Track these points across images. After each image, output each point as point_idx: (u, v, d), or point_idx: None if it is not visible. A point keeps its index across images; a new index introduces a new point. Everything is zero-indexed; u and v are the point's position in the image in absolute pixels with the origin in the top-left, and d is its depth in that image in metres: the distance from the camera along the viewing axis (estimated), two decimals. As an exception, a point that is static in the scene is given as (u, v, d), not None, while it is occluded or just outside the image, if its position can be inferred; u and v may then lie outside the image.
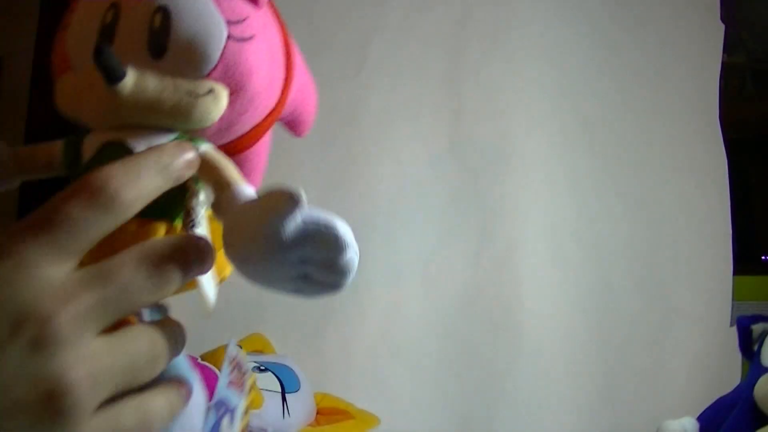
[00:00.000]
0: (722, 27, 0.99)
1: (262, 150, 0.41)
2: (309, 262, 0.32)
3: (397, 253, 0.93)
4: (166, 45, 0.35)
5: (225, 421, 0.43)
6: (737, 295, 0.94)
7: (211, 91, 0.36)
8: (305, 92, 0.42)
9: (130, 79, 0.34)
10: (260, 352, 0.77)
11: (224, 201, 0.34)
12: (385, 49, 0.98)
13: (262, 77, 0.37)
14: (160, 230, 0.36)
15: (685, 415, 0.65)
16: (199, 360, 0.70)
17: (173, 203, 0.36)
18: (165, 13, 0.35)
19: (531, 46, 1.00)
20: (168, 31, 0.35)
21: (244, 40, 0.36)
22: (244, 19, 0.37)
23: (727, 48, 1.01)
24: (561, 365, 0.93)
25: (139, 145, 0.35)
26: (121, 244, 0.33)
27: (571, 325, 0.94)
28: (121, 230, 0.33)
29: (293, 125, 0.45)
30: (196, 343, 0.76)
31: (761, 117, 1.16)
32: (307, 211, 0.31)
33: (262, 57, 0.37)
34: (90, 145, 0.36)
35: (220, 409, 0.43)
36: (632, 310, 0.94)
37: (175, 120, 0.36)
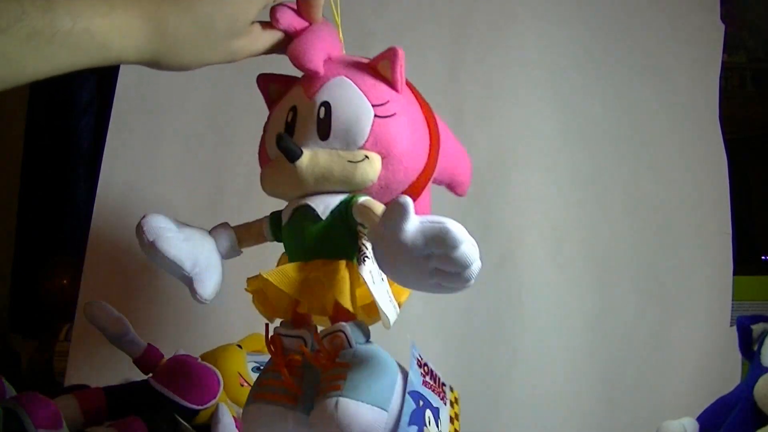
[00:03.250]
0: (722, 27, 0.99)
1: (424, 207, 0.54)
2: (433, 258, 0.41)
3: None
4: (329, 129, 0.48)
5: (428, 414, 0.47)
6: (737, 295, 0.93)
7: (366, 157, 0.48)
8: (458, 160, 0.57)
9: (305, 157, 0.47)
10: (260, 352, 0.77)
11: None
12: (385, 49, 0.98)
13: (405, 143, 0.50)
14: (342, 266, 0.47)
15: (685, 415, 0.65)
16: (199, 360, 0.70)
17: (349, 245, 0.48)
18: (327, 106, 0.49)
19: (530, 46, 1.00)
20: (330, 118, 0.48)
21: (387, 117, 0.49)
22: (386, 102, 0.49)
23: (727, 48, 1.01)
24: (561, 365, 0.93)
25: (319, 206, 0.48)
26: (314, 279, 0.46)
27: (571, 325, 0.94)
28: (311, 267, 0.47)
29: (452, 187, 0.60)
30: (196, 343, 0.76)
31: (761, 117, 1.16)
32: (422, 217, 0.41)
33: (402, 128, 0.50)
34: (285, 214, 0.51)
35: (418, 400, 0.47)
36: (632, 310, 0.94)
37: (343, 183, 0.48)
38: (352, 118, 0.49)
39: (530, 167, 0.97)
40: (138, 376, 0.70)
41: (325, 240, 0.49)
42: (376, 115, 0.49)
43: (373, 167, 0.48)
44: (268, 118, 0.55)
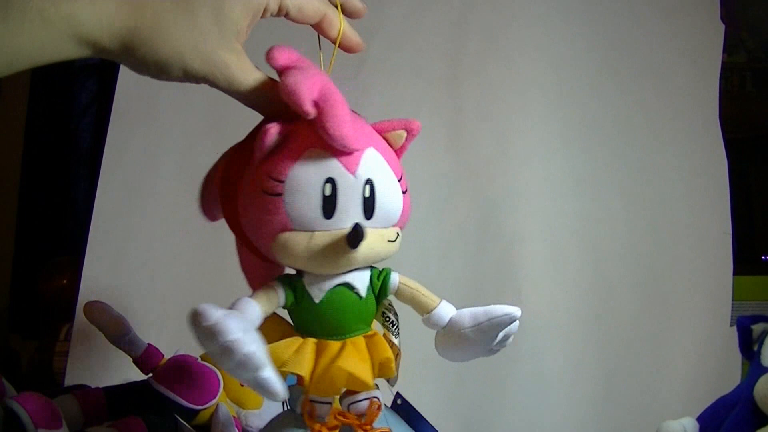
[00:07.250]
0: (722, 27, 0.99)
1: None
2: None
3: (397, 253, 0.93)
4: (374, 208, 0.45)
5: None
6: (737, 295, 0.94)
7: (398, 235, 0.48)
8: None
9: (365, 241, 0.44)
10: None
11: (433, 319, 0.50)
12: (385, 49, 0.98)
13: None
14: (382, 339, 0.48)
15: (685, 415, 0.65)
16: (199, 360, 0.70)
17: (371, 317, 0.49)
18: (371, 184, 0.45)
19: (530, 46, 1.00)
20: (374, 197, 0.45)
21: (405, 192, 0.48)
22: (402, 176, 0.48)
23: (727, 48, 1.01)
24: (561, 365, 0.93)
25: (358, 284, 0.47)
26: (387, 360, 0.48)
27: (571, 325, 0.94)
28: (356, 347, 0.47)
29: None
30: (197, 343, 0.76)
31: (761, 117, 1.16)
32: (493, 315, 0.50)
33: (410, 203, 0.49)
34: (317, 290, 0.47)
35: None
36: (632, 310, 0.94)
37: (378, 260, 0.48)
38: (392, 197, 0.46)
39: (530, 167, 0.97)
40: (138, 376, 0.70)
41: (361, 318, 0.48)
42: (403, 192, 0.47)
43: (399, 242, 0.48)
44: (275, 175, 0.44)
